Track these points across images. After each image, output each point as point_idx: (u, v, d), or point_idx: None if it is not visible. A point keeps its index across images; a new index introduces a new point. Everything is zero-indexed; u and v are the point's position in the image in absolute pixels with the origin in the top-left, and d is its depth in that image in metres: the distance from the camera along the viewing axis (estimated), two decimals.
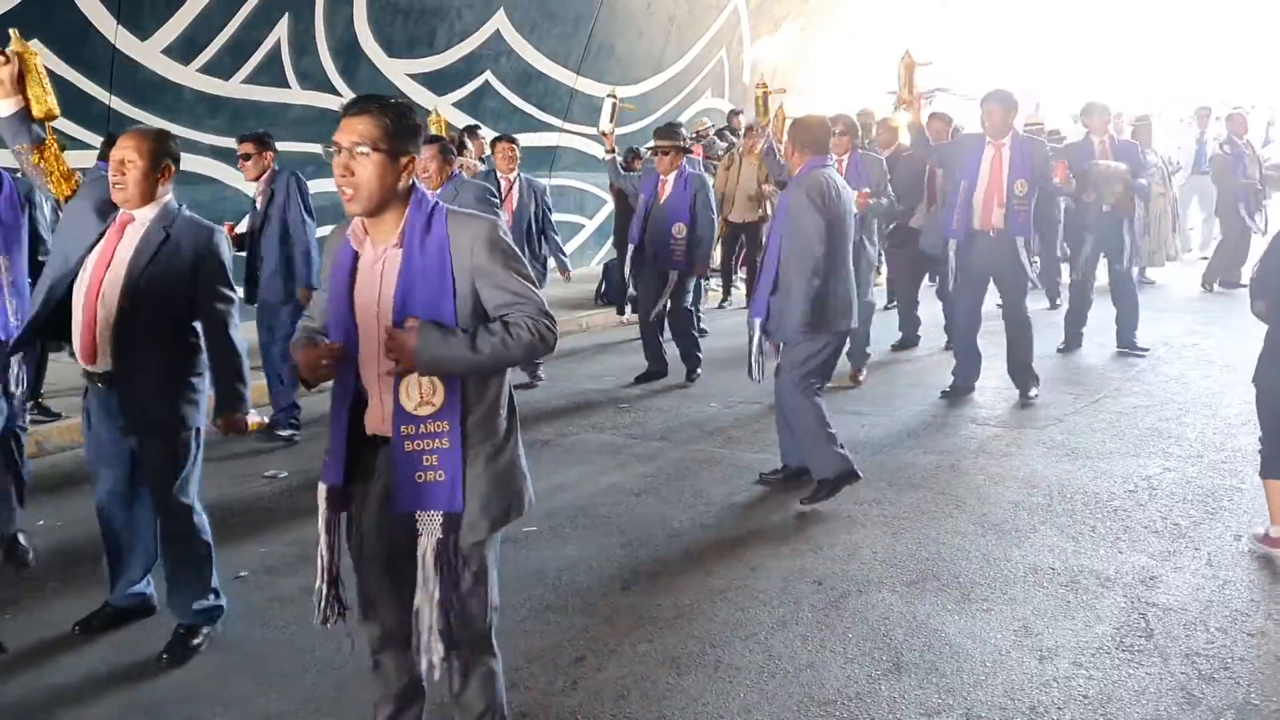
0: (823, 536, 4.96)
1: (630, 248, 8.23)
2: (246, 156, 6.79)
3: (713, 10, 15.42)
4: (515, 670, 3.73)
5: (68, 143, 7.68)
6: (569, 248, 14.27)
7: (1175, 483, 5.61)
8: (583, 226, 14.59)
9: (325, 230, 5.79)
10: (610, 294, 11.57)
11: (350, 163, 2.58)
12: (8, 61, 3.88)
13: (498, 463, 2.71)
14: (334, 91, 10.59)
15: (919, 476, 5.82)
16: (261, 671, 3.78)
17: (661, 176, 8.04)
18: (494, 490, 2.71)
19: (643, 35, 14.30)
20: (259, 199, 6.81)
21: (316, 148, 9.45)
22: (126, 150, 3.70)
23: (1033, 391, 7.29)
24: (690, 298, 8.45)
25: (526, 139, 13.18)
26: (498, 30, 12.14)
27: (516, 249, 2.69)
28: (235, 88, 9.71)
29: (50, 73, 4.15)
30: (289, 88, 10.17)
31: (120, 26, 8.73)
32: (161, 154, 3.75)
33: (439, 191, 6.48)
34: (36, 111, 3.92)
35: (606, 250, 14.35)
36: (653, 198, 8.06)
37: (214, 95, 9.55)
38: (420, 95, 11.48)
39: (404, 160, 2.61)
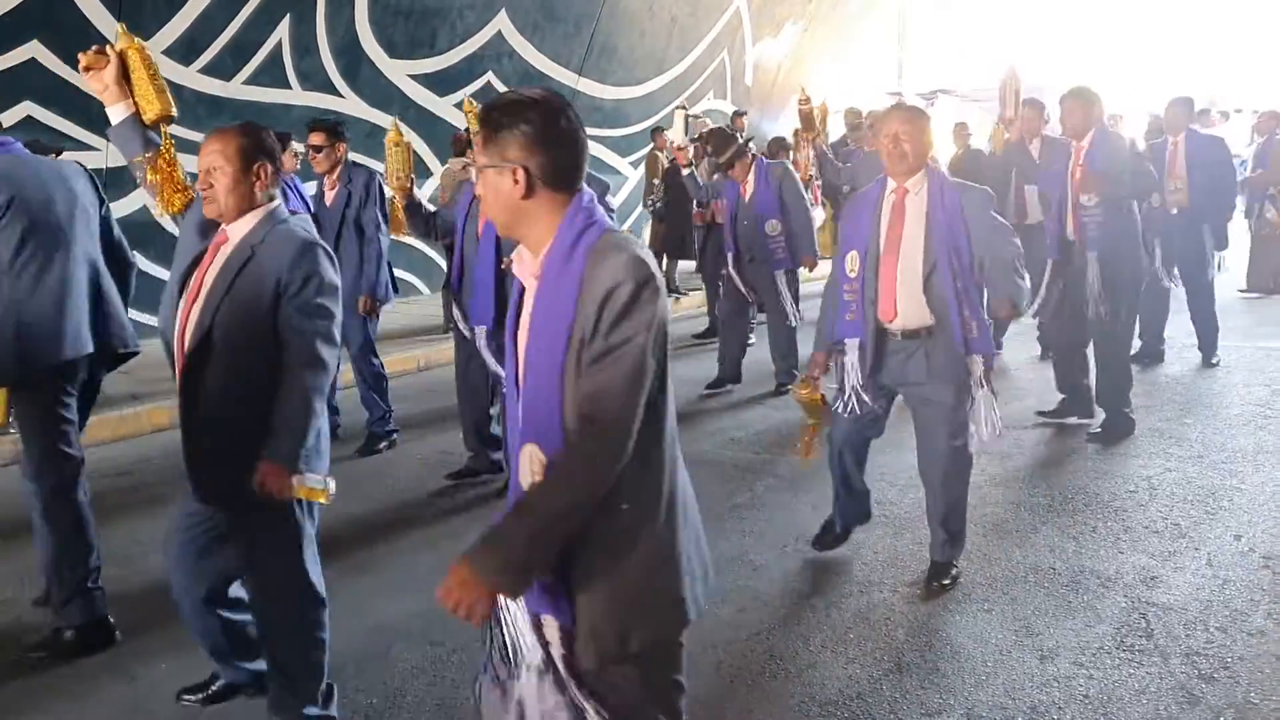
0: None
1: (729, 256, 7.92)
2: (317, 149, 6.33)
3: (715, 12, 15.43)
4: None
5: (66, 144, 7.72)
6: None
7: (1176, 483, 5.61)
8: None
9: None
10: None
11: None
12: (107, 61, 3.40)
13: (622, 571, 2.16)
14: (336, 93, 10.62)
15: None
16: None
17: (739, 184, 7.78)
18: (611, 607, 2.16)
19: (645, 36, 14.32)
20: (330, 195, 6.40)
21: None
22: (211, 155, 3.07)
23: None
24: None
25: None
26: (499, 31, 12.16)
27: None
28: (236, 88, 9.73)
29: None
30: (290, 89, 10.19)
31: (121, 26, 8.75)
32: (254, 152, 3.10)
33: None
34: (147, 115, 3.40)
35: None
36: (736, 200, 7.80)
37: (215, 96, 9.57)
38: (422, 96, 11.51)
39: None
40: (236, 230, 3.09)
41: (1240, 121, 16.22)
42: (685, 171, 8.19)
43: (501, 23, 12.15)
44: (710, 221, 9.64)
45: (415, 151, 11.06)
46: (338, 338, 3.13)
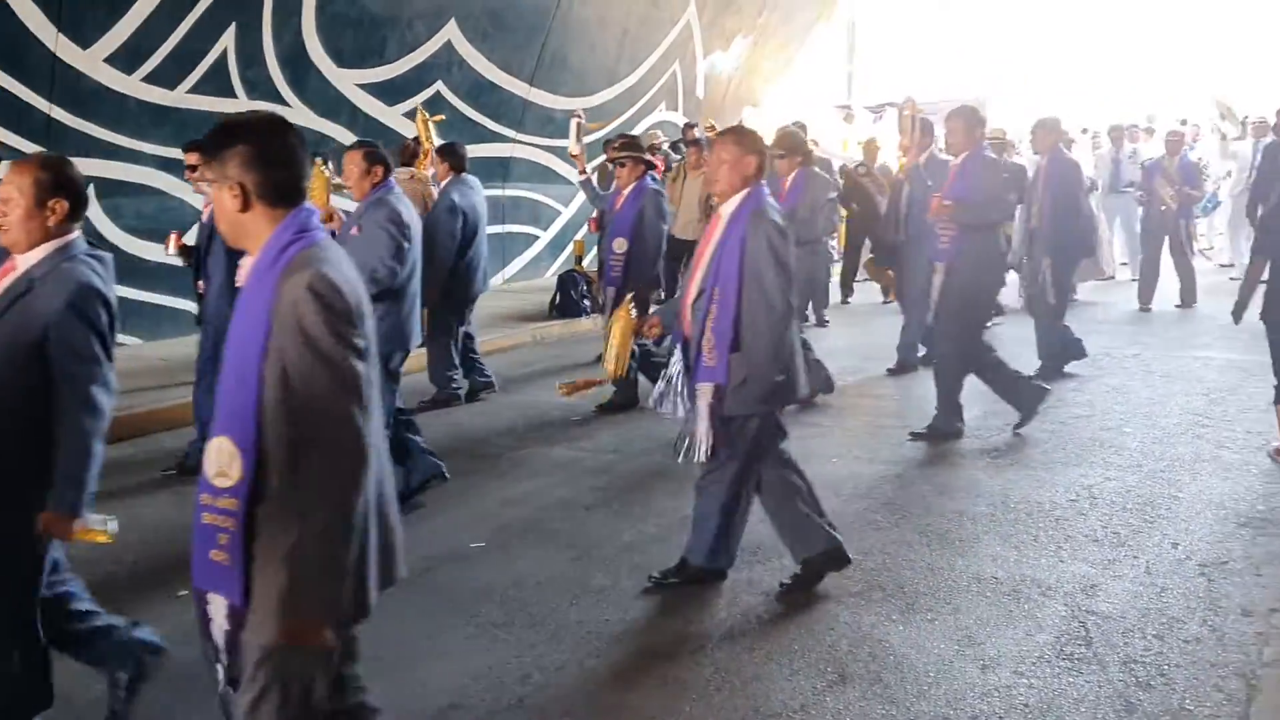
0: (771, 548, 4.98)
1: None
2: (193, 168, 6.37)
3: (665, 24, 15.49)
4: (460, 689, 3.73)
5: (4, 153, 7.59)
6: (523, 259, 14.30)
7: (1116, 492, 5.70)
8: (537, 238, 14.58)
9: None
10: (565, 306, 11.57)
11: None
12: None
13: (300, 564, 2.25)
14: (283, 102, 10.52)
15: (864, 486, 5.88)
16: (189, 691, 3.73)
17: (621, 190, 7.64)
18: (286, 596, 2.26)
19: (595, 48, 14.33)
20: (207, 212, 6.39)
21: None
22: (7, 186, 3.08)
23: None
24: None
25: (479, 150, 13.16)
26: (449, 41, 12.12)
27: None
28: (180, 97, 9.60)
29: None
30: (236, 98, 10.07)
31: (61, 34, 8.61)
32: (50, 187, 3.08)
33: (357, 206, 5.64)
34: None
35: (561, 262, 14.35)
36: (611, 211, 7.73)
37: (159, 105, 9.44)
38: (371, 106, 11.43)
39: None
40: (24, 262, 3.10)
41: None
42: (580, 179, 8.20)
43: (451, 32, 12.10)
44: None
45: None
46: (112, 381, 3.11)
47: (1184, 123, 17.29)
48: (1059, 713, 3.52)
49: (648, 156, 7.95)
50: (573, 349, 10.26)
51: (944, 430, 6.76)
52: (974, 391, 7.94)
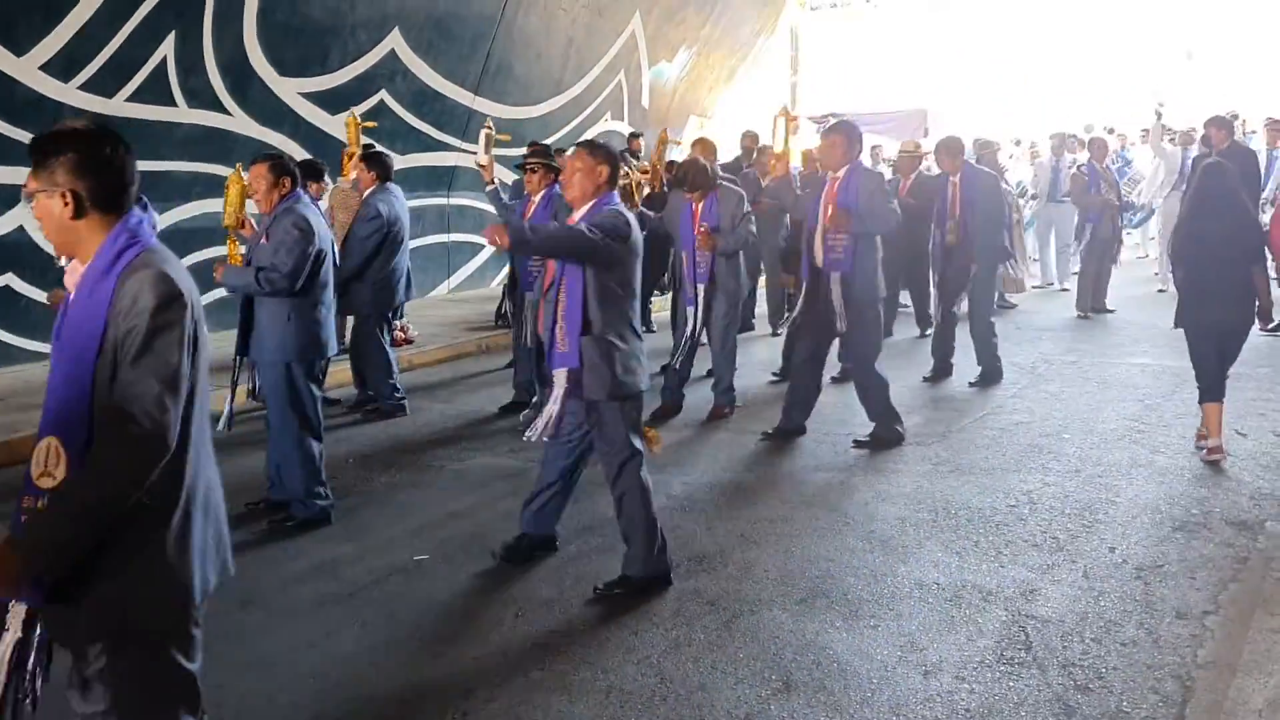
0: (716, 556, 5.01)
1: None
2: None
3: (610, 34, 15.52)
4: (403, 704, 3.70)
5: None
6: (468, 268, 14.24)
7: (1054, 497, 5.79)
8: (482, 247, 14.52)
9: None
10: (510, 315, 11.52)
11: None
12: None
13: (132, 561, 2.35)
14: (224, 111, 10.40)
15: (810, 493, 5.92)
16: None
17: (531, 197, 7.56)
18: (118, 593, 2.34)
19: (541, 57, 14.33)
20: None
21: (205, 168, 9.38)
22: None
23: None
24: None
25: (424, 159, 13.11)
26: (393, 50, 12.05)
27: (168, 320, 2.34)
28: (119, 106, 9.45)
29: None
30: (176, 106, 9.94)
31: None
32: None
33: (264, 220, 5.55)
34: None
35: (506, 271, 14.30)
36: (522, 219, 7.49)
37: (96, 114, 9.27)
38: (314, 115, 11.34)
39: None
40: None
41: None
42: (489, 188, 8.09)
43: (395, 41, 12.04)
44: None
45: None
46: None
47: (1111, 131, 17.63)
48: (1000, 717, 3.56)
49: (556, 163, 7.86)
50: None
51: (886, 437, 6.84)
52: (920, 398, 8.05)
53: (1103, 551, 5.03)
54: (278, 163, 5.53)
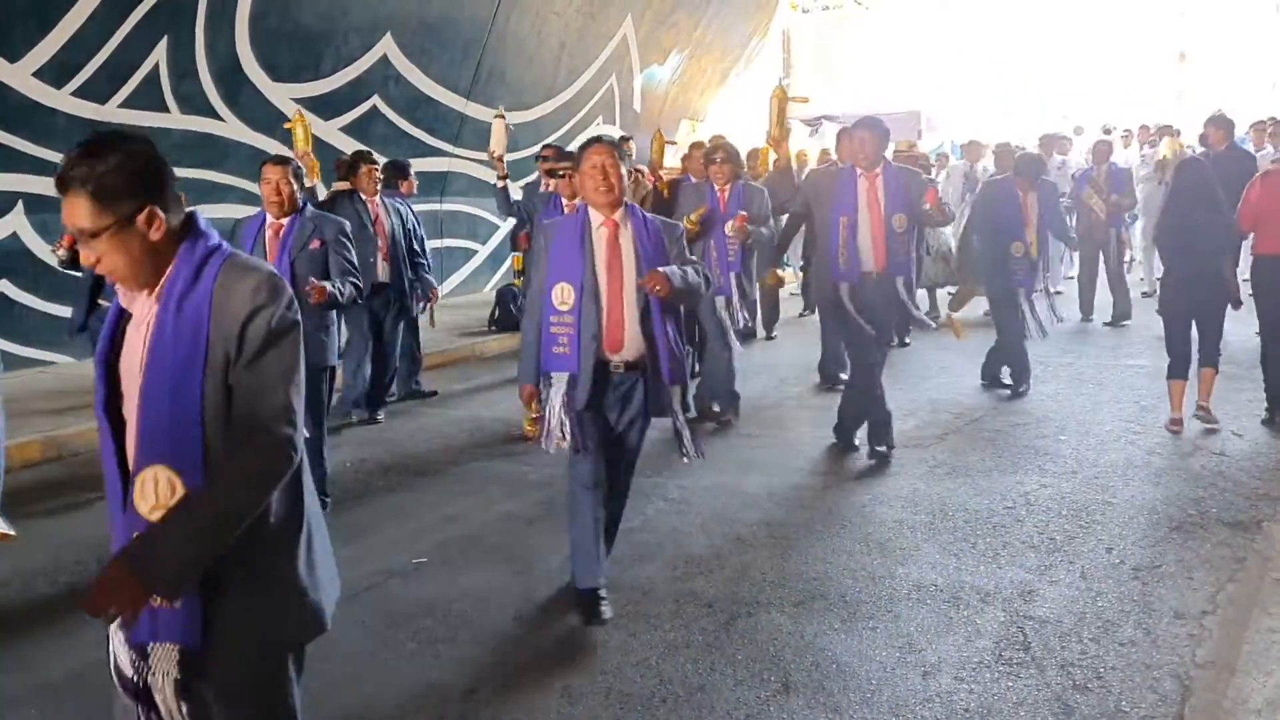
0: (713, 559, 5.01)
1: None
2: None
3: (602, 38, 15.54)
4: (402, 706, 3.69)
5: None
6: (461, 273, 14.24)
7: (1051, 498, 5.80)
8: (475, 252, 14.53)
9: None
10: (503, 320, 11.53)
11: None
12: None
13: (262, 588, 2.24)
14: (216, 116, 10.39)
15: (807, 497, 5.92)
16: None
17: (565, 201, 7.43)
18: (253, 624, 2.23)
19: (533, 62, 14.34)
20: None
21: (198, 174, 9.40)
22: None
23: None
24: None
25: (417, 164, 13.05)
26: (385, 55, 12.05)
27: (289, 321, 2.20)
28: (112, 111, 9.44)
29: None
30: (169, 112, 9.93)
31: None
32: None
33: (284, 225, 5.46)
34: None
35: (500, 276, 14.32)
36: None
37: (89, 120, 9.27)
38: (306, 120, 11.32)
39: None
40: None
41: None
42: (499, 185, 8.00)
43: (387, 46, 12.04)
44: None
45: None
46: None
47: (1108, 131, 17.62)
48: (999, 717, 3.56)
49: (635, 165, 7.84)
50: (512, 363, 10.20)
51: (840, 441, 6.83)
52: (917, 401, 8.05)
53: (1100, 552, 5.03)
54: (297, 167, 5.56)
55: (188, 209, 2.27)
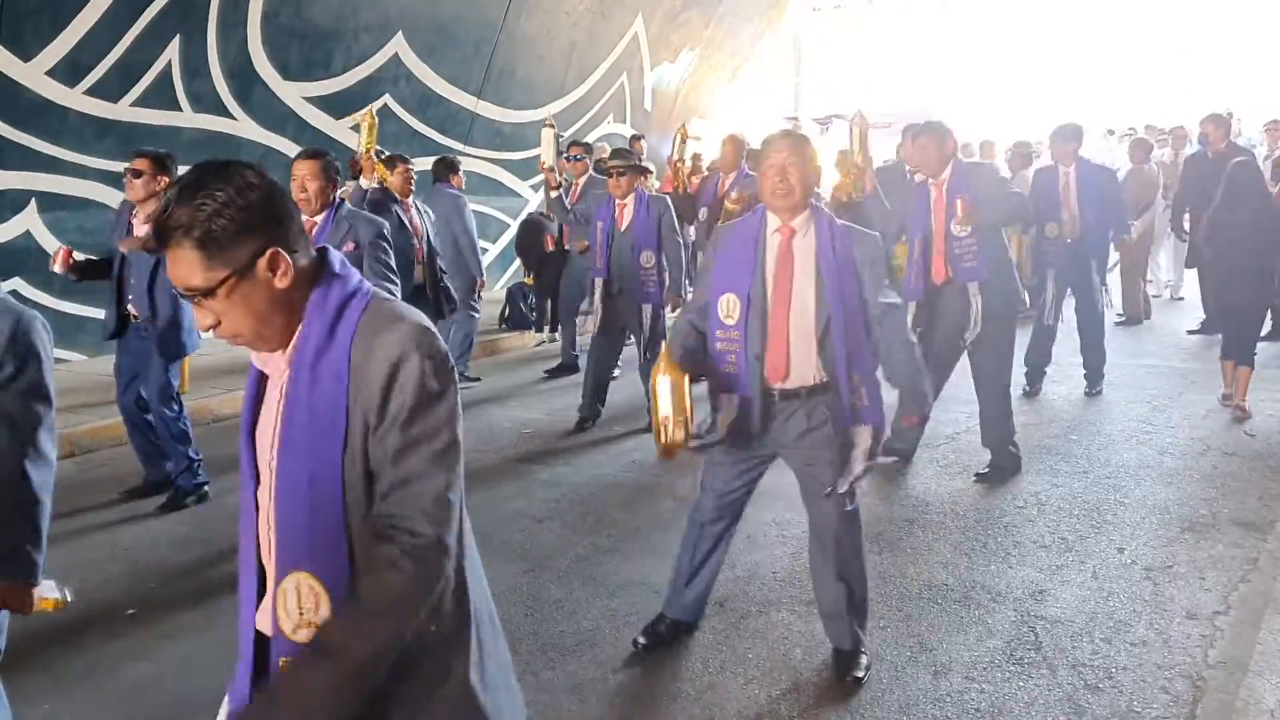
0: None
1: (599, 281, 7.44)
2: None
3: (613, 37, 15.53)
4: None
5: None
6: None
7: (1063, 498, 5.78)
8: (485, 251, 14.52)
9: None
10: (514, 318, 11.55)
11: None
12: None
13: (434, 713, 1.84)
14: (228, 115, 10.41)
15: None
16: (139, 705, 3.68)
17: (619, 201, 7.32)
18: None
19: (544, 60, 14.34)
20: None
21: None
22: None
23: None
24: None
25: (427, 163, 13.09)
26: (396, 54, 12.06)
27: (443, 388, 1.79)
28: (124, 110, 9.47)
29: None
30: (181, 110, 9.96)
31: (1, 46, 8.47)
32: None
33: (317, 224, 5.23)
34: None
35: (510, 274, 14.32)
36: (611, 224, 7.33)
37: (101, 118, 9.30)
38: (317, 119, 11.34)
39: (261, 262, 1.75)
40: None
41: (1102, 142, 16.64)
42: (554, 194, 7.97)
43: (398, 45, 12.05)
44: (561, 248, 9.61)
45: None
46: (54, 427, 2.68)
47: (1112, 132, 17.55)
48: (1010, 716, 3.56)
49: (644, 164, 7.77)
50: (522, 361, 10.23)
51: (1006, 465, 6.28)
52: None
53: (1111, 552, 5.02)
54: (330, 160, 5.26)
55: (317, 246, 1.88)
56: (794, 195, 3.64)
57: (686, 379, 3.54)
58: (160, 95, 9.74)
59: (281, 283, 1.75)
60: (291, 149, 10.87)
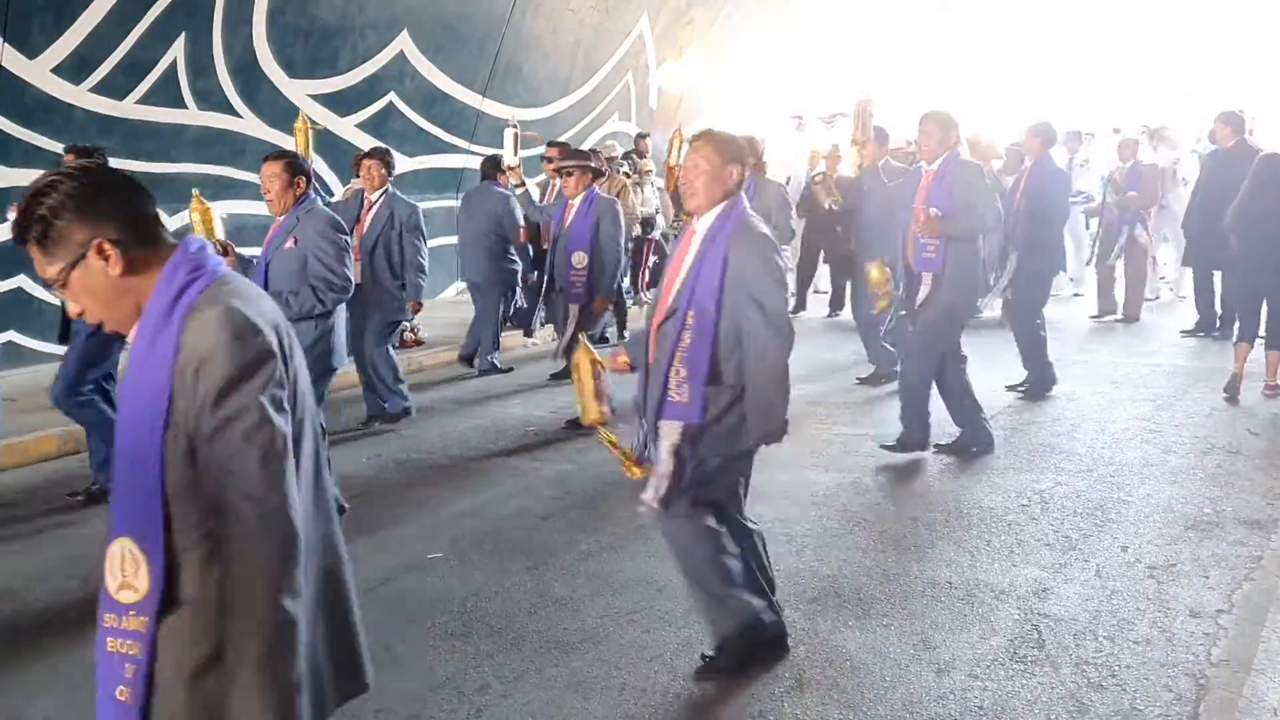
0: None
1: (546, 279, 7.61)
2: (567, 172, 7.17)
3: (618, 35, 15.54)
4: (419, 700, 3.70)
5: None
6: None
7: (1066, 496, 5.78)
8: None
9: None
10: (517, 317, 11.53)
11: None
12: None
13: (216, 692, 1.89)
14: (234, 113, 10.43)
15: (820, 495, 5.92)
16: None
17: (569, 201, 7.43)
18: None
19: (549, 58, 14.35)
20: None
21: (215, 170, 9.45)
22: None
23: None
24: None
25: (432, 160, 13.13)
26: (401, 51, 12.07)
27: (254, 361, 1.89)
28: (129, 108, 9.49)
29: None
30: (186, 108, 9.97)
31: (7, 44, 8.48)
32: None
33: (280, 221, 5.31)
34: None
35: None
36: (560, 224, 7.48)
37: (107, 116, 9.32)
38: (323, 116, 11.36)
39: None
40: None
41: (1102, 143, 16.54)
42: (519, 190, 7.99)
43: (404, 43, 12.06)
44: (539, 246, 9.69)
45: (317, 174, 10.95)
46: None
47: (1117, 131, 17.48)
48: (1013, 714, 3.56)
49: (594, 164, 7.82)
50: (527, 358, 10.23)
51: (911, 444, 6.52)
52: (934, 398, 8.02)
53: (1115, 550, 5.02)
54: (293, 161, 5.30)
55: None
56: (697, 196, 3.75)
57: (591, 362, 3.92)
58: (165, 93, 9.76)
59: (114, 270, 1.91)
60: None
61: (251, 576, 1.85)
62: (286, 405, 1.92)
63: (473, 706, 3.66)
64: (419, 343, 10.17)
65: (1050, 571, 4.77)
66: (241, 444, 1.84)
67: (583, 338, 3.98)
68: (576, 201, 7.40)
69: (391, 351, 7.72)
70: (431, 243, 12.81)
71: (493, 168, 9.30)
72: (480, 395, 8.69)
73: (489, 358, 9.44)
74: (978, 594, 4.53)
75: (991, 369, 8.64)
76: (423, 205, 10.51)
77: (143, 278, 1.94)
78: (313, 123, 8.81)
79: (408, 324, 9.73)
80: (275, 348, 1.92)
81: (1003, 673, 3.84)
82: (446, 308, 12.67)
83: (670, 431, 3.73)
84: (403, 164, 12.03)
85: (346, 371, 7.60)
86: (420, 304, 7.84)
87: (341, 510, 5.42)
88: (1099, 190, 12.19)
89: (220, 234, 5.30)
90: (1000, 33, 24.74)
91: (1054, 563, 4.87)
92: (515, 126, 8.15)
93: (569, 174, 7.45)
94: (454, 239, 13.70)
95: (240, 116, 10.52)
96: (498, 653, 4.05)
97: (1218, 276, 10.38)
